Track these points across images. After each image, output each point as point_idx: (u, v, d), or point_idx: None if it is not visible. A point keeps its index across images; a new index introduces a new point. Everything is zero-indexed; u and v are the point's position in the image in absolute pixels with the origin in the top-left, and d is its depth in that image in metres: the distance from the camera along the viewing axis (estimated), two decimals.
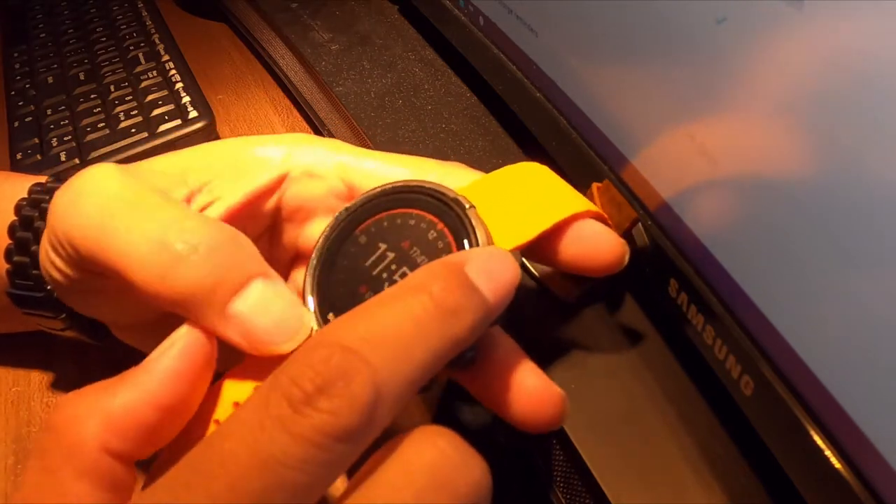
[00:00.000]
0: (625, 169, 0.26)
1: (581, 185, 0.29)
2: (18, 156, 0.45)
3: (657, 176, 0.24)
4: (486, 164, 0.36)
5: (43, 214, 0.27)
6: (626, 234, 0.26)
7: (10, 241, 0.27)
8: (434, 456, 0.17)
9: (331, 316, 0.21)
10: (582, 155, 0.29)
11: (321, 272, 0.22)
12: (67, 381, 0.33)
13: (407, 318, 0.17)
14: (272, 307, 0.20)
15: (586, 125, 0.28)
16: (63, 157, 0.44)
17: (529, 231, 0.22)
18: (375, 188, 0.23)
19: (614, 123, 0.26)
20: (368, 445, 0.16)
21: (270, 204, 0.26)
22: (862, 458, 0.18)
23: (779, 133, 0.19)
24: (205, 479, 0.15)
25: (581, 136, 0.29)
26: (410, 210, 0.22)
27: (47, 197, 0.28)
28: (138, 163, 0.25)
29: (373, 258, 0.21)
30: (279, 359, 0.19)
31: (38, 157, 0.45)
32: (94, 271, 0.22)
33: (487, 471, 0.17)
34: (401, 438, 0.17)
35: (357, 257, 0.22)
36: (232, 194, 0.25)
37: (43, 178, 0.30)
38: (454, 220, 0.21)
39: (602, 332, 0.27)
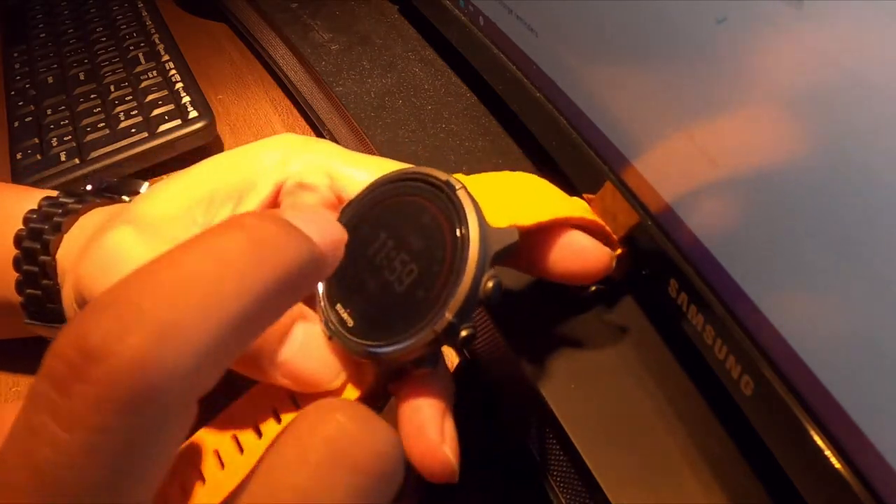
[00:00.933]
0: (624, 169, 0.26)
1: (581, 186, 0.29)
2: (18, 156, 0.45)
3: (657, 176, 0.24)
4: (486, 163, 0.36)
5: (56, 228, 0.28)
6: (627, 238, 0.26)
7: (17, 251, 0.28)
8: (330, 430, 0.15)
9: (339, 308, 0.21)
10: (582, 155, 0.29)
11: None
12: None
13: (210, 255, 0.14)
14: (316, 348, 0.20)
15: (586, 125, 0.28)
16: (63, 157, 0.44)
17: (530, 216, 0.22)
18: (375, 180, 0.23)
19: (614, 123, 0.26)
20: (191, 407, 0.13)
21: None
22: (862, 458, 0.18)
23: (779, 133, 0.19)
24: None
25: (581, 136, 0.29)
26: (406, 197, 0.22)
27: (59, 210, 0.28)
28: (144, 209, 0.24)
29: (374, 246, 0.22)
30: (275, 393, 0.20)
31: (38, 157, 0.45)
32: None
33: (394, 441, 0.16)
34: (298, 417, 0.16)
35: (360, 247, 0.22)
36: None
37: (53, 193, 0.30)
38: (445, 202, 0.21)
39: (602, 332, 0.27)
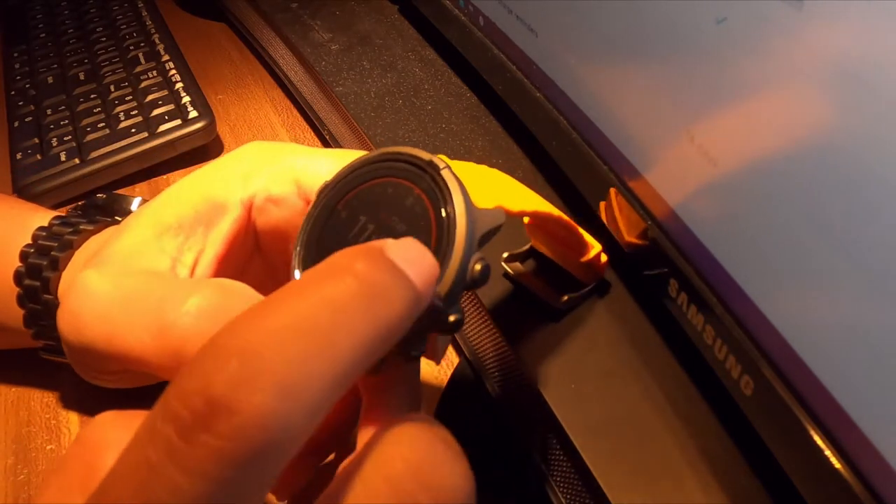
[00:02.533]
0: (624, 169, 0.26)
1: (581, 186, 0.29)
2: (18, 156, 0.45)
3: (657, 176, 0.24)
4: (485, 163, 0.36)
5: (66, 246, 0.28)
6: (629, 243, 0.26)
7: (20, 264, 0.28)
8: (417, 454, 0.15)
9: None
10: (582, 155, 0.29)
11: (306, 253, 0.21)
12: (67, 381, 0.33)
13: (325, 304, 0.14)
14: None
15: (586, 125, 0.28)
16: (63, 157, 0.44)
17: (515, 202, 0.22)
18: (352, 161, 0.22)
19: (614, 123, 0.26)
20: (293, 455, 0.14)
21: (248, 235, 0.26)
22: (862, 458, 0.18)
23: (779, 133, 0.19)
24: None
25: (581, 136, 0.29)
26: (387, 179, 0.21)
27: (70, 229, 0.29)
28: (113, 247, 0.24)
29: (354, 231, 0.21)
30: None
31: (38, 157, 0.45)
32: (113, 370, 0.24)
33: (471, 476, 0.16)
34: (382, 432, 0.16)
35: (339, 233, 0.21)
36: (212, 244, 0.25)
37: (62, 212, 0.31)
38: (429, 182, 0.20)
39: (602, 333, 0.27)
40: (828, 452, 0.18)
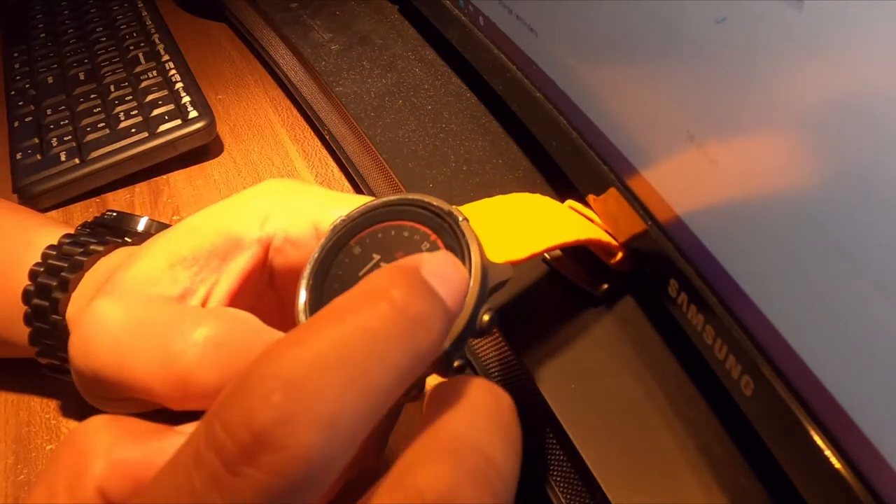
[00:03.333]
0: (624, 169, 0.26)
1: (581, 186, 0.29)
2: (18, 156, 0.45)
3: (657, 176, 0.24)
4: (486, 164, 0.36)
5: (77, 267, 0.28)
6: (627, 238, 0.26)
7: (26, 308, 0.28)
8: (491, 397, 0.16)
9: None
10: (582, 155, 0.29)
11: (314, 283, 0.21)
12: (67, 382, 0.33)
13: (362, 333, 0.14)
14: None
15: (586, 125, 0.28)
16: (63, 157, 0.44)
17: (524, 249, 0.23)
18: (372, 201, 0.23)
19: (614, 123, 0.26)
20: (330, 483, 0.14)
21: (264, 272, 0.26)
22: (862, 458, 0.18)
23: (779, 133, 0.19)
24: None
25: (581, 136, 0.29)
26: (405, 222, 0.22)
27: (80, 250, 0.28)
28: (126, 275, 0.24)
29: (366, 268, 0.21)
30: None
31: (38, 157, 0.45)
32: (120, 397, 0.24)
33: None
34: (460, 385, 0.17)
35: (351, 268, 0.21)
36: (226, 278, 0.25)
37: (70, 228, 0.31)
38: (447, 231, 0.21)
39: (602, 332, 0.27)
40: (828, 452, 0.18)
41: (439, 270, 0.16)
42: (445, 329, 0.16)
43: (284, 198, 0.26)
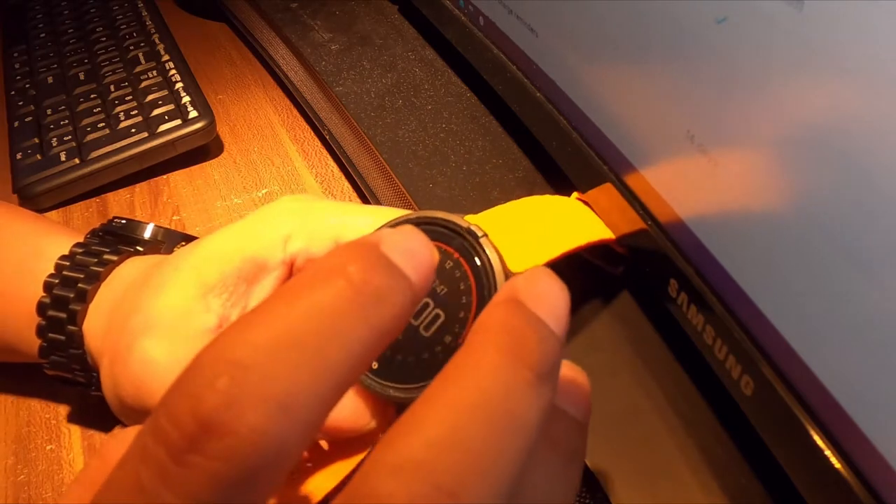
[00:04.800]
0: (625, 169, 0.26)
1: (581, 186, 0.29)
2: (18, 156, 0.45)
3: (657, 176, 0.24)
4: (486, 164, 0.36)
5: (93, 277, 0.28)
6: (627, 238, 0.26)
7: (44, 294, 0.28)
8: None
9: None
10: (582, 154, 0.29)
11: None
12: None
13: (315, 312, 0.13)
14: (346, 396, 0.21)
15: (586, 125, 0.28)
16: (63, 157, 0.44)
17: (545, 254, 0.23)
18: (389, 221, 0.24)
19: (614, 123, 0.26)
20: (289, 469, 0.13)
21: None
22: (862, 458, 0.18)
23: (778, 133, 0.19)
24: None
25: (581, 136, 0.29)
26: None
27: (94, 260, 0.29)
28: (158, 307, 0.25)
29: None
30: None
31: (38, 157, 0.45)
32: None
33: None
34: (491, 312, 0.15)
35: None
36: (256, 301, 0.25)
37: (79, 237, 0.31)
38: (468, 249, 0.22)
39: (602, 332, 0.27)
40: (828, 452, 0.18)
41: (401, 245, 0.15)
42: (410, 303, 0.15)
43: (303, 216, 0.26)
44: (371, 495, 0.12)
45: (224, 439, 0.12)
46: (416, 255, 0.15)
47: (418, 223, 0.23)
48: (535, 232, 0.24)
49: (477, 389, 0.13)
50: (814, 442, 0.19)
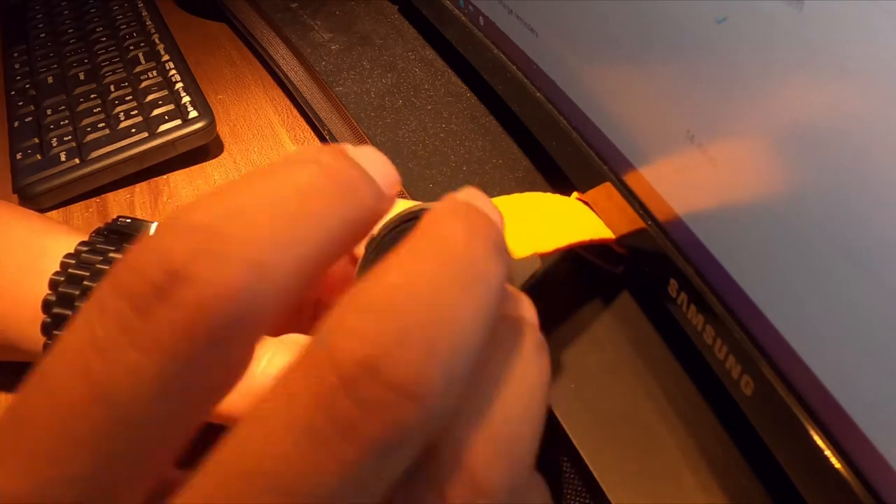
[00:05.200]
0: (624, 169, 0.26)
1: (581, 186, 0.29)
2: (18, 156, 0.45)
3: (657, 175, 0.24)
4: (486, 164, 0.36)
5: (99, 275, 0.28)
6: (627, 238, 0.26)
7: (49, 292, 0.28)
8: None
9: None
10: (582, 154, 0.29)
11: None
12: None
13: (292, 187, 0.13)
14: None
15: (586, 125, 0.28)
16: (63, 157, 0.44)
17: (549, 242, 0.23)
18: (393, 217, 0.23)
19: (614, 123, 0.26)
20: (258, 340, 0.13)
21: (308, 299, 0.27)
22: (862, 458, 0.18)
23: (778, 133, 0.19)
24: (19, 429, 0.11)
25: (581, 136, 0.29)
26: None
27: (100, 258, 0.29)
28: None
29: None
30: None
31: (38, 157, 0.45)
32: None
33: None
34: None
35: None
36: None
37: (83, 236, 0.31)
38: None
39: (602, 332, 0.27)
40: (828, 452, 0.18)
41: (366, 154, 0.15)
42: (376, 205, 0.15)
43: None
44: (341, 330, 0.11)
45: (196, 287, 0.11)
46: (378, 163, 0.15)
47: (418, 213, 0.22)
48: (535, 223, 0.24)
49: (440, 253, 0.13)
50: (814, 442, 0.19)
